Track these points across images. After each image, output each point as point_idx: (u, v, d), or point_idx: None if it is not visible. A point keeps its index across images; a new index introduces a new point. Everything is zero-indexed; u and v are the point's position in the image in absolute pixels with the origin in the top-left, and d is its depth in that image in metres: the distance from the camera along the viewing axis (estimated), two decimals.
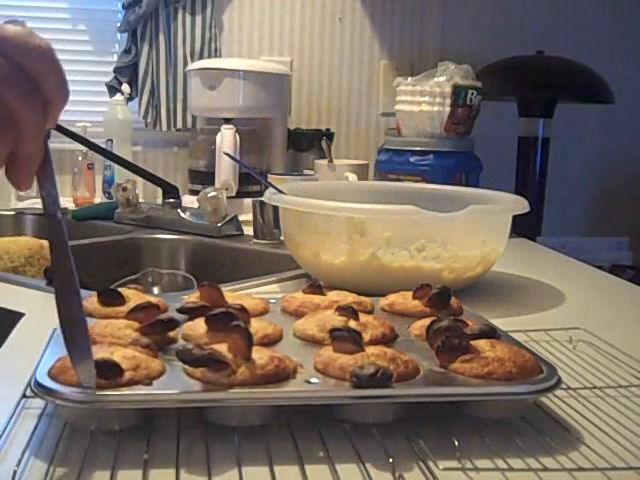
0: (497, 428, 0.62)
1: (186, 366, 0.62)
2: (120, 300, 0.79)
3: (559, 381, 0.65)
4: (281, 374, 0.62)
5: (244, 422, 0.61)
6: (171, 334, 0.70)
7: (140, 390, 0.59)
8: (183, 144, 2.18)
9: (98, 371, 0.58)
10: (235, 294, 0.86)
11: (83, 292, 1.01)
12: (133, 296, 0.80)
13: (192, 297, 0.83)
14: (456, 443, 0.58)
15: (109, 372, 0.58)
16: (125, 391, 0.58)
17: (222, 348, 0.62)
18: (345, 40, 2.32)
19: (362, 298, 0.86)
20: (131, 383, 0.59)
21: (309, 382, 0.62)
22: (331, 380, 0.63)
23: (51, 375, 0.60)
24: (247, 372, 0.60)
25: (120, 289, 0.82)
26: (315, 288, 0.87)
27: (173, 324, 0.70)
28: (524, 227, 1.45)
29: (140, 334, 0.67)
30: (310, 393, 0.62)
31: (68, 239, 0.57)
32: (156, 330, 0.69)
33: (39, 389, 0.59)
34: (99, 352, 0.60)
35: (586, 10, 2.46)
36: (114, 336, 0.68)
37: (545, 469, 0.57)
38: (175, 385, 0.60)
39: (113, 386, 0.58)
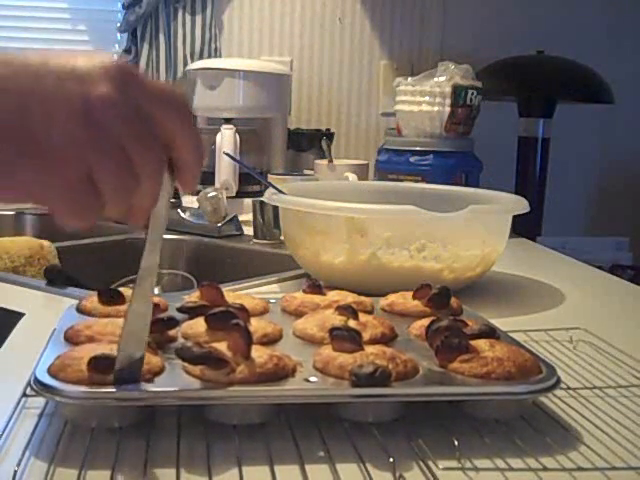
0: (497, 428, 0.62)
1: (186, 364, 0.62)
2: (120, 299, 0.79)
3: (558, 381, 0.65)
4: (280, 372, 0.62)
5: (244, 420, 0.61)
6: (171, 333, 0.71)
7: (140, 387, 0.59)
8: None
9: (99, 367, 0.58)
10: (235, 294, 0.86)
11: (83, 292, 1.01)
12: None
13: (192, 297, 0.83)
14: (456, 443, 0.58)
15: (112, 367, 0.58)
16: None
17: (222, 346, 0.62)
18: (345, 40, 2.32)
19: (362, 298, 0.86)
20: None
21: (308, 381, 0.62)
22: (330, 379, 0.63)
23: (51, 372, 0.60)
24: (246, 370, 0.60)
25: (120, 289, 0.82)
26: (315, 288, 0.87)
27: (173, 323, 0.70)
28: (524, 227, 1.45)
29: None
30: (309, 391, 0.62)
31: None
32: (156, 328, 0.68)
33: (39, 386, 0.59)
34: (99, 350, 0.60)
35: (586, 10, 2.46)
36: (114, 334, 0.67)
37: (545, 469, 0.57)
38: (175, 383, 0.60)
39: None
